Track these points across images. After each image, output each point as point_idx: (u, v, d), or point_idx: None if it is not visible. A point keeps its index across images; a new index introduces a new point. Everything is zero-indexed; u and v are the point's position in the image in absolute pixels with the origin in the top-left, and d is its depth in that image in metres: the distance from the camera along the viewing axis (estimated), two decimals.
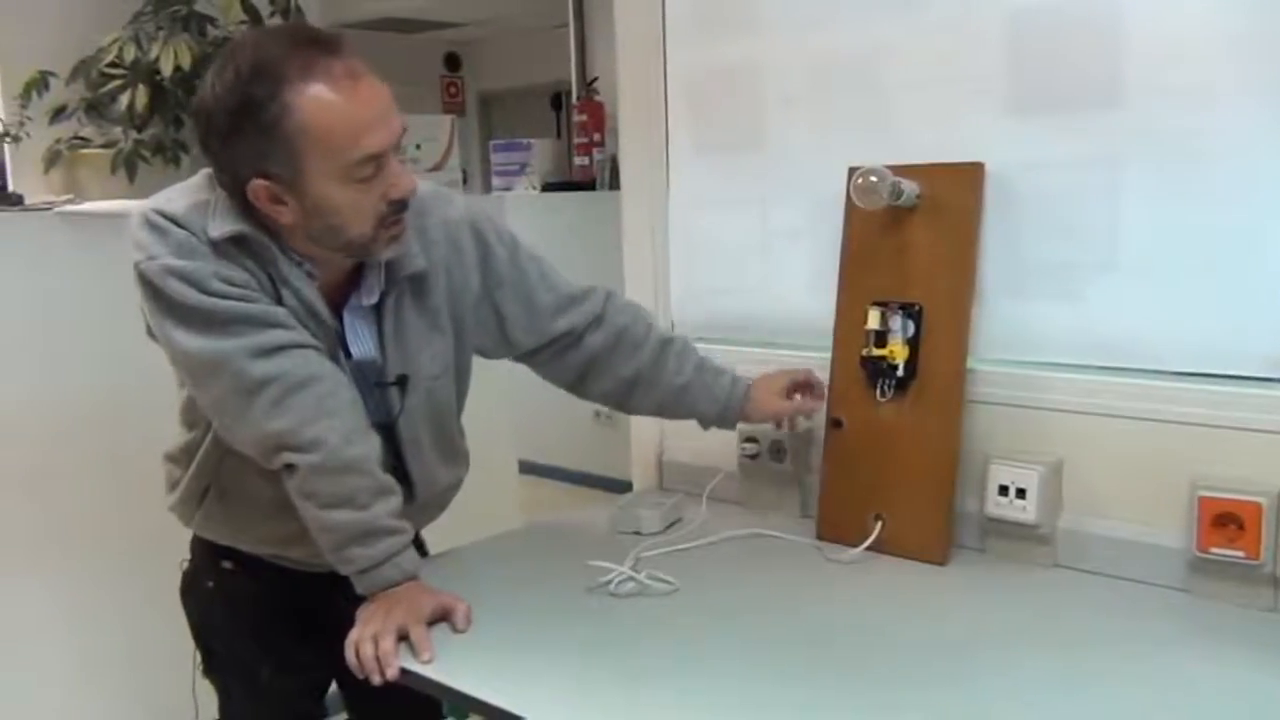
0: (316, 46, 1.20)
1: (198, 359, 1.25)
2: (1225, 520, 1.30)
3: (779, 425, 1.67)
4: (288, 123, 1.18)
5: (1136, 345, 1.41)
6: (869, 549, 1.51)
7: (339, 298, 1.34)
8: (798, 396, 1.61)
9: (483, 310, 1.46)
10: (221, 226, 1.24)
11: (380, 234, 1.27)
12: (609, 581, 1.40)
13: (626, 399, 1.58)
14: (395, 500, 1.30)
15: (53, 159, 2.62)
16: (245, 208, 1.25)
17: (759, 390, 1.59)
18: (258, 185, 1.22)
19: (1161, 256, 1.37)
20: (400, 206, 1.27)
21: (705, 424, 1.62)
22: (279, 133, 1.18)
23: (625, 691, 1.16)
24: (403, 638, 1.23)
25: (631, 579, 1.40)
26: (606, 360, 1.54)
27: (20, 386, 2.07)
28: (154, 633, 1.78)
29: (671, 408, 1.59)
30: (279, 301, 1.28)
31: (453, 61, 6.66)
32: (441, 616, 1.28)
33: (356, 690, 1.42)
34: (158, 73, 2.64)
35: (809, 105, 1.68)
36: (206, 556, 1.48)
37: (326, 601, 1.35)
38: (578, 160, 3.38)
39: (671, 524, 1.67)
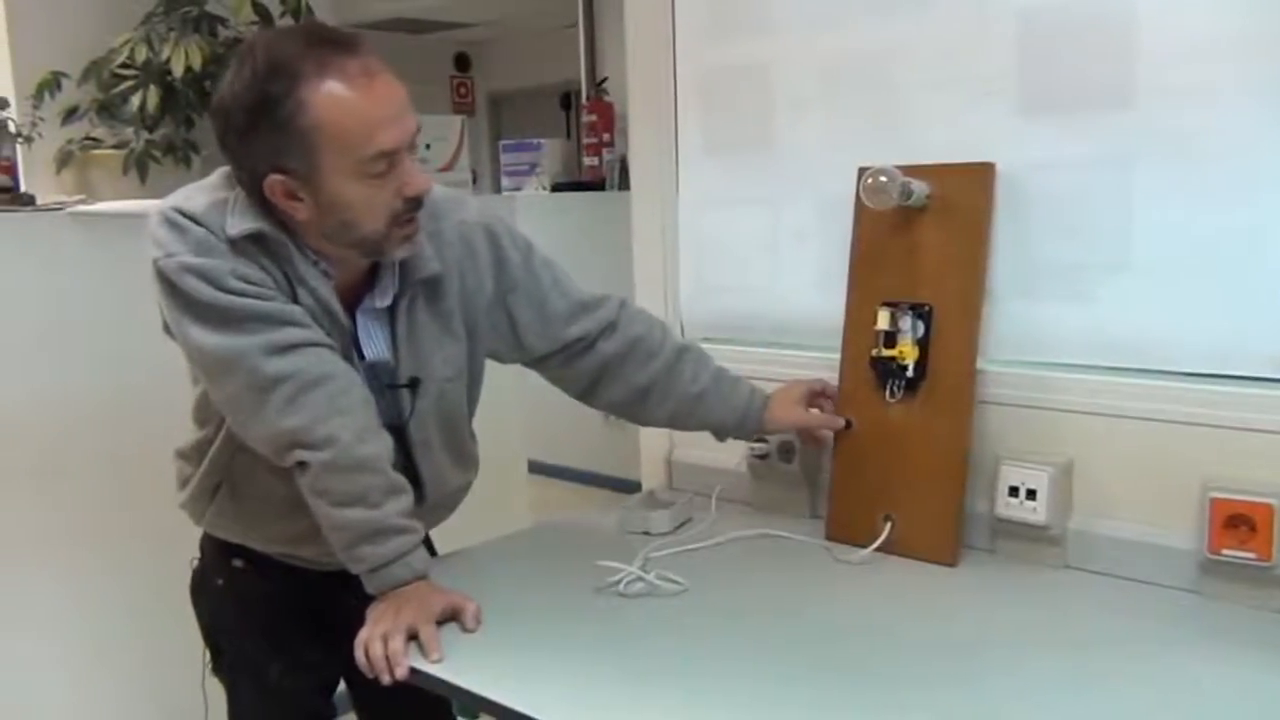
0: (332, 44, 1.21)
1: (213, 355, 1.26)
2: (1237, 522, 1.29)
3: (803, 439, 1.67)
4: (303, 119, 1.19)
5: (1148, 346, 1.40)
6: (878, 550, 1.51)
7: (353, 299, 1.35)
8: (815, 410, 1.61)
9: (496, 314, 1.47)
10: (240, 224, 1.25)
11: (393, 232, 1.28)
12: (618, 581, 1.40)
13: (640, 408, 1.57)
14: (406, 499, 1.31)
15: (65, 159, 2.63)
16: (263, 206, 1.26)
17: (778, 400, 1.59)
18: (274, 181, 1.22)
19: (1172, 257, 1.37)
20: (414, 205, 1.28)
21: (722, 435, 1.62)
22: (294, 128, 1.19)
23: (634, 691, 1.16)
24: (412, 637, 1.23)
25: (640, 579, 1.40)
26: (619, 368, 1.54)
27: (32, 385, 2.08)
28: (164, 631, 1.79)
29: (686, 417, 1.59)
30: (295, 300, 1.29)
31: (462, 62, 6.67)
32: (451, 616, 1.29)
33: (365, 689, 1.42)
34: (169, 73, 2.66)
35: (819, 105, 1.68)
36: (217, 555, 1.49)
37: (336, 601, 1.36)
38: (587, 160, 3.38)
39: (680, 524, 1.67)
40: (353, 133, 1.21)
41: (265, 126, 1.20)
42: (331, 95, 1.19)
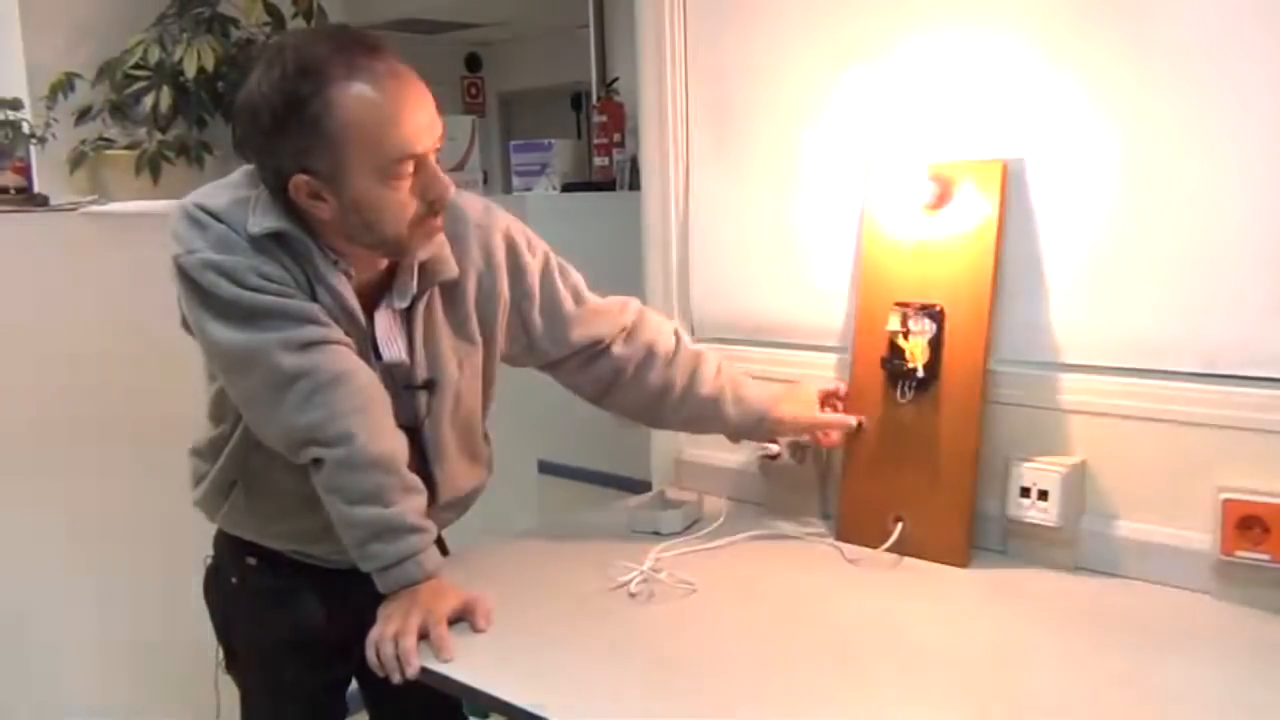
0: (361, 47, 1.22)
1: (232, 352, 1.27)
2: (1250, 523, 1.29)
3: (814, 439, 1.66)
4: (331, 119, 1.20)
5: (1160, 346, 1.40)
6: (889, 550, 1.51)
7: (372, 300, 1.36)
8: (828, 410, 1.61)
9: (511, 319, 1.48)
10: (261, 222, 1.26)
11: (415, 233, 1.29)
12: (628, 581, 1.40)
13: (654, 412, 1.58)
14: (420, 499, 1.31)
15: (78, 160, 2.64)
16: (286, 205, 1.27)
17: (790, 400, 1.60)
18: (299, 181, 1.23)
19: (1186, 257, 1.36)
20: (437, 208, 1.29)
21: (736, 437, 1.63)
22: (322, 129, 1.20)
23: (643, 691, 1.16)
24: (423, 636, 1.24)
25: (650, 579, 1.40)
26: (634, 373, 1.55)
27: (44, 384, 2.09)
28: (177, 628, 1.80)
29: (701, 421, 1.59)
30: (314, 299, 1.29)
31: (473, 62, 6.68)
32: (462, 615, 1.29)
33: (377, 688, 1.43)
34: (181, 74, 2.66)
35: (829, 104, 1.68)
36: (230, 552, 1.49)
37: (348, 599, 1.36)
38: (597, 160, 3.37)
39: (690, 524, 1.67)
40: (380, 134, 1.21)
41: (293, 126, 1.21)
42: (361, 97, 1.20)
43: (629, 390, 1.56)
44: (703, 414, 1.57)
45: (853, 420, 1.60)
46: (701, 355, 1.59)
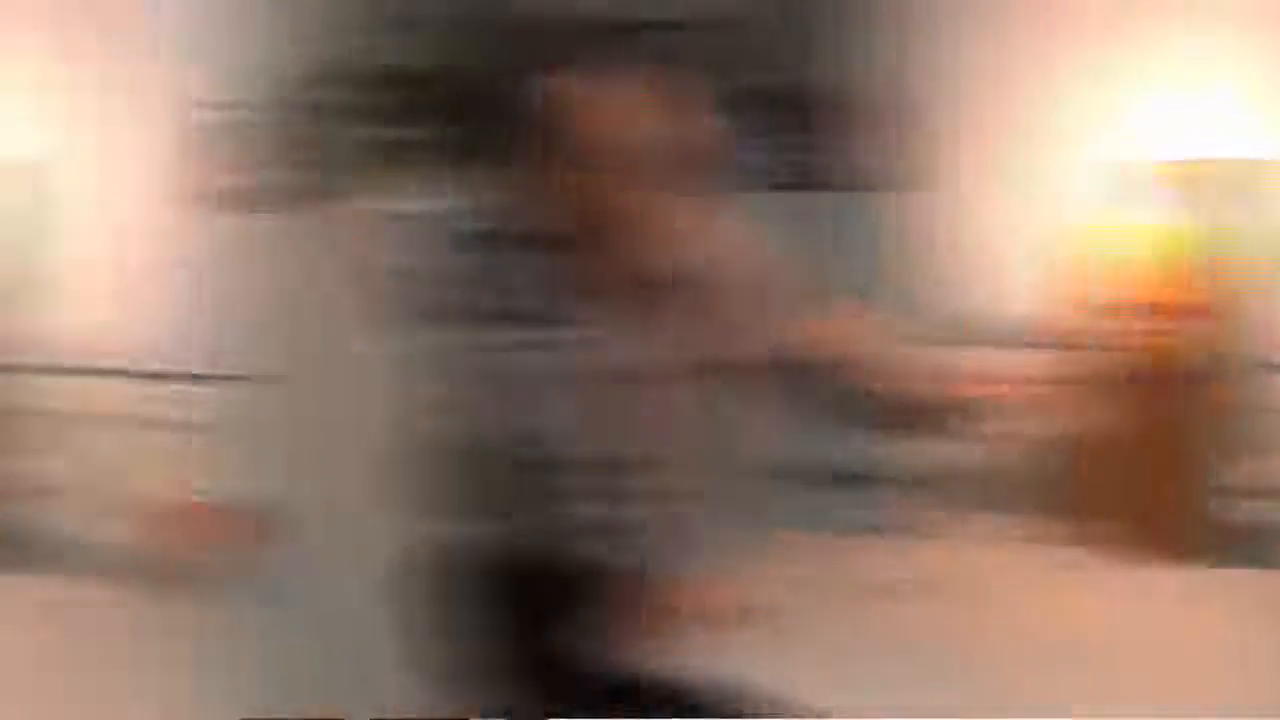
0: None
1: (432, 351, 1.29)
2: None
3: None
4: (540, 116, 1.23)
5: None
6: (1117, 551, 1.39)
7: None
8: None
9: None
10: (468, 221, 1.28)
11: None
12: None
13: None
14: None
15: (313, 161, 2.75)
16: (490, 205, 1.29)
17: None
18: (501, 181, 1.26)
19: None
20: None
21: None
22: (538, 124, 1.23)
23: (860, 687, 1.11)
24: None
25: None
26: None
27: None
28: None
29: None
30: (518, 298, 1.30)
31: None
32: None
33: None
34: (419, 76, 2.73)
35: (1063, 100, 1.53)
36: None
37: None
38: None
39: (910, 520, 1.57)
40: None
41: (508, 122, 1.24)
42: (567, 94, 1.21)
43: None
44: None
45: None
46: None
